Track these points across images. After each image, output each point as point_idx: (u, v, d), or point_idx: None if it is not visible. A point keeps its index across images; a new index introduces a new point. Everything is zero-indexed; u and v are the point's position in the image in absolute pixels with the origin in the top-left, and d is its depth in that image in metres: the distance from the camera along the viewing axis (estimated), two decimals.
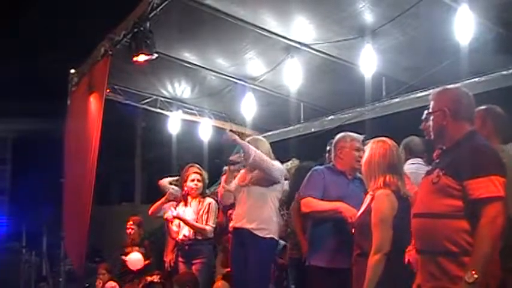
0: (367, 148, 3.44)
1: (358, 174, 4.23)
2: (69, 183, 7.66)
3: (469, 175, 2.76)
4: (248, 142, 4.73)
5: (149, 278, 5.93)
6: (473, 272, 2.65)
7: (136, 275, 6.50)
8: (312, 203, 4.14)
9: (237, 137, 4.59)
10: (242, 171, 4.77)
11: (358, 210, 3.50)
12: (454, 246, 2.79)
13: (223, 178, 4.80)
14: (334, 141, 4.38)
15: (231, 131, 4.66)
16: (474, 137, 2.95)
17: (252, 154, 4.41)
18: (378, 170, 3.31)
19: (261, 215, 4.54)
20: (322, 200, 4.15)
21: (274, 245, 4.63)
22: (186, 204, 5.66)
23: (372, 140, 3.48)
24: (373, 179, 3.32)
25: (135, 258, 6.56)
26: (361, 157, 4.08)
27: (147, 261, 6.67)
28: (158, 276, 5.90)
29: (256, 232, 4.50)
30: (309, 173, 4.39)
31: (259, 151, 4.53)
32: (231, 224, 4.77)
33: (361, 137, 4.34)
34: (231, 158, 4.75)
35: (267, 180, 4.57)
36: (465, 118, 2.99)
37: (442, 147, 3.06)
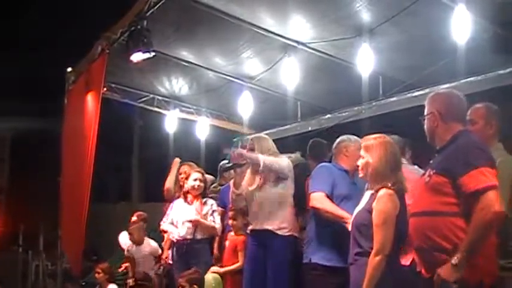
0: (369, 146, 3.38)
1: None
2: (66, 182, 7.65)
3: (461, 172, 2.80)
4: (251, 140, 4.83)
5: (129, 281, 6.00)
6: (460, 256, 2.69)
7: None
8: (324, 202, 4.10)
9: (243, 152, 4.66)
10: (247, 170, 4.74)
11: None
12: (448, 243, 2.82)
13: (231, 182, 4.78)
14: (336, 142, 4.39)
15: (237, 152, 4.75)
16: (464, 135, 3.01)
17: (260, 162, 4.47)
18: (381, 169, 3.26)
19: (280, 214, 4.54)
20: (330, 197, 4.13)
21: (295, 242, 4.56)
22: (185, 201, 5.57)
23: (369, 137, 3.42)
24: (375, 178, 3.27)
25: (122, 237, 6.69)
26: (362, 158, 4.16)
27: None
28: (133, 279, 5.92)
29: (278, 232, 4.51)
30: (317, 168, 4.38)
31: (265, 154, 4.58)
32: (250, 227, 4.75)
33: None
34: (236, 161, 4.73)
35: (276, 178, 4.59)
36: (456, 119, 3.07)
37: (437, 149, 3.11)
